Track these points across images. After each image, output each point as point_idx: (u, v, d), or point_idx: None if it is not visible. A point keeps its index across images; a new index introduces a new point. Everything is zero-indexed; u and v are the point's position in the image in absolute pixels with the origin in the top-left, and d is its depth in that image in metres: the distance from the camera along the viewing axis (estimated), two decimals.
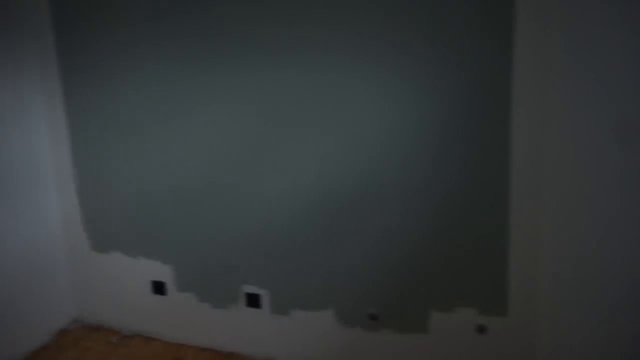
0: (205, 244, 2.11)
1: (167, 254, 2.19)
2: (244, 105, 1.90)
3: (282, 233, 1.98)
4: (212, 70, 1.90)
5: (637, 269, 0.92)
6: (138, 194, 2.14)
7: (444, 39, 1.62)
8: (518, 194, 1.65)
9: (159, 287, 2.25)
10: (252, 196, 1.98)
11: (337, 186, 1.85)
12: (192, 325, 2.25)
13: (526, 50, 1.54)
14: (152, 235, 2.19)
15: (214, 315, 2.19)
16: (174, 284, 2.22)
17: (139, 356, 2.21)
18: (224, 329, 2.19)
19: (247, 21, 1.81)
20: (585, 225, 1.27)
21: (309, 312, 2.03)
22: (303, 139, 1.86)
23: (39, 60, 2.11)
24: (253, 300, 2.11)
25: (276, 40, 1.79)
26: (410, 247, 1.82)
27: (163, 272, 2.22)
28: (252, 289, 2.10)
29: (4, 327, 2.03)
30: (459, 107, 1.66)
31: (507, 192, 1.65)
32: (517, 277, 1.70)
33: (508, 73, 1.57)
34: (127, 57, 2.00)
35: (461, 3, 1.58)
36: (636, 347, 0.92)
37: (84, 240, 2.31)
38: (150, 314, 2.31)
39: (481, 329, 1.77)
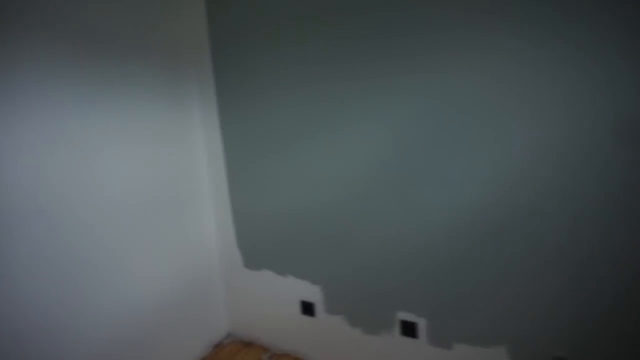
0: (356, 265, 2.00)
1: (316, 274, 2.13)
2: (397, 112, 1.74)
3: (443, 255, 1.77)
4: (361, 84, 1.79)
5: None
6: (288, 213, 2.12)
7: None
8: None
9: (308, 308, 2.20)
10: (408, 214, 1.81)
11: (512, 200, 1.58)
12: (342, 349, 2.14)
13: None
14: (301, 254, 2.15)
15: (365, 341, 2.06)
16: (323, 305, 2.15)
17: None
18: (376, 357, 2.04)
19: (400, 28, 1.67)
20: None
21: (475, 347, 1.78)
22: (467, 148, 1.63)
23: (202, 97, 2.25)
24: (409, 329, 1.92)
25: (434, 43, 1.62)
26: (618, 275, 1.46)
27: (312, 292, 2.16)
28: (407, 317, 1.92)
29: (168, 339, 2.15)
30: None
31: None
32: None
33: None
34: (276, 85, 1.99)
35: None
36: None
37: (237, 257, 2.37)
38: (299, 334, 2.27)
39: None
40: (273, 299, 2.31)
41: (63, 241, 1.65)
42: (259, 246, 2.28)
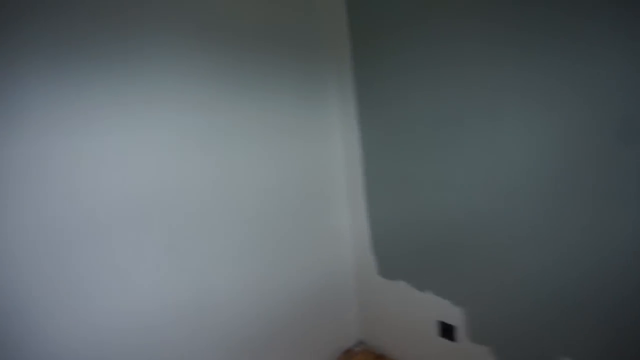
0: (511, 290, 1.69)
1: (460, 294, 1.87)
2: (577, 103, 1.39)
3: (632, 296, 1.36)
4: (516, 79, 1.47)
5: None
6: (430, 221, 1.90)
7: None
8: None
9: (447, 331, 1.96)
10: (589, 235, 1.43)
11: None
12: None
13: None
14: (441, 269, 1.91)
15: None
16: (465, 330, 1.89)
17: None
18: None
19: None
20: None
21: None
22: None
23: (341, 94, 2.14)
24: None
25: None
26: None
27: (453, 314, 1.92)
28: None
29: (300, 339, 2.12)
30: None
31: None
32: None
33: None
34: (421, 84, 1.75)
35: None
36: None
37: (371, 264, 2.24)
38: (436, 358, 2.05)
39: None
40: (408, 314, 2.13)
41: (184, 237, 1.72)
42: (396, 255, 2.11)
